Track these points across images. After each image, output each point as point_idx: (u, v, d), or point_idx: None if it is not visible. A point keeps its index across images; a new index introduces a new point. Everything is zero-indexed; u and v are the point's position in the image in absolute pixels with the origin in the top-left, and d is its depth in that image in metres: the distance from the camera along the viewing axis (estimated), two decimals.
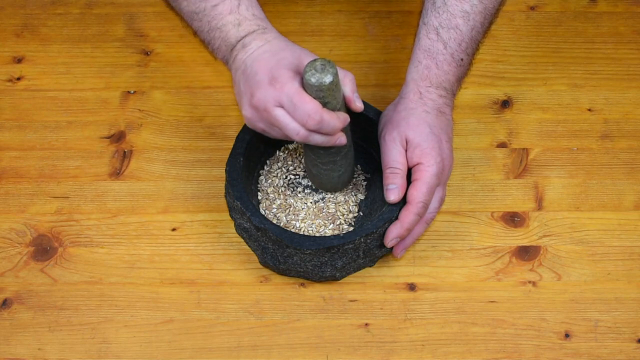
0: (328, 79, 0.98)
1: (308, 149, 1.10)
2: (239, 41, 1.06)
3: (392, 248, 1.10)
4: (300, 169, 1.18)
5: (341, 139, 1.04)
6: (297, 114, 1.00)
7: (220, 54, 1.09)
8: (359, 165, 1.18)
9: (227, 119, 1.24)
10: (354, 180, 1.17)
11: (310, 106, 0.99)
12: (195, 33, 1.12)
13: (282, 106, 1.01)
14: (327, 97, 1.00)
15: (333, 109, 1.02)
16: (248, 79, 1.03)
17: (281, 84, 1.00)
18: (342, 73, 1.03)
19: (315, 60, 0.99)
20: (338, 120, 1.01)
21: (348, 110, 1.05)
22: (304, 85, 1.00)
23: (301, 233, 1.12)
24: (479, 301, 1.10)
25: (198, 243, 1.14)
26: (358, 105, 1.04)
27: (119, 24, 1.34)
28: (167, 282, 1.12)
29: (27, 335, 1.08)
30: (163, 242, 1.14)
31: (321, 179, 1.13)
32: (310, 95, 1.00)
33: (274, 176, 1.17)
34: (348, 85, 1.03)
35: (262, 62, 1.03)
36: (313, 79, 0.98)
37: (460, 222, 1.16)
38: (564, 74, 1.29)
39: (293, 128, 1.01)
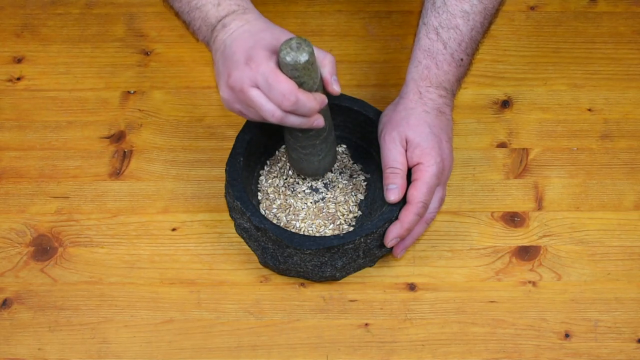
0: (303, 57, 0.97)
1: (287, 132, 1.08)
2: (219, 21, 1.05)
3: (392, 248, 1.10)
4: None
5: (319, 121, 1.02)
6: (272, 94, 0.99)
7: (201, 35, 1.08)
8: (356, 165, 1.18)
9: (227, 119, 1.24)
10: (354, 180, 1.17)
11: (285, 86, 0.98)
12: (176, 14, 1.11)
13: (257, 87, 0.99)
14: (303, 76, 0.98)
15: (310, 90, 1.00)
16: (226, 59, 1.02)
17: (257, 64, 0.98)
18: (321, 54, 1.02)
19: (291, 38, 0.97)
20: (315, 101, 1.00)
21: (327, 94, 1.04)
22: (280, 65, 0.98)
23: (301, 233, 1.12)
24: (479, 301, 1.10)
25: (198, 243, 1.14)
26: (335, 89, 1.02)
27: (119, 24, 1.34)
28: (167, 282, 1.12)
29: (27, 335, 1.08)
30: (163, 242, 1.14)
31: (301, 163, 1.12)
32: (286, 74, 0.98)
33: (274, 176, 1.17)
34: (327, 67, 1.02)
35: (240, 42, 1.01)
36: (288, 57, 0.97)
37: (460, 222, 1.16)
38: (564, 74, 1.29)
39: (268, 109, 1.00)
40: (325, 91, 1.03)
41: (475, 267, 1.13)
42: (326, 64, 1.02)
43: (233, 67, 1.00)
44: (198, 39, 1.09)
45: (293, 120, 1.01)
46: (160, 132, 1.24)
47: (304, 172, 1.14)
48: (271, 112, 1.00)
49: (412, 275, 1.12)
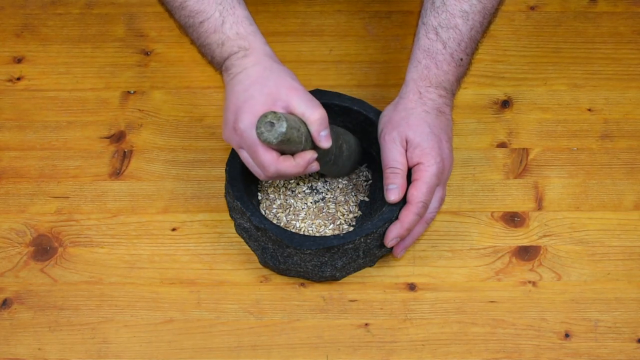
0: (275, 138, 0.97)
1: None
2: (223, 62, 1.08)
3: (392, 248, 1.10)
4: None
5: (310, 168, 1.04)
6: (256, 162, 1.03)
7: (214, 67, 1.12)
8: (360, 166, 1.18)
9: None
10: (354, 180, 1.17)
11: (264, 158, 1.01)
12: (192, 43, 1.15)
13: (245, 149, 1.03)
14: (282, 148, 1.00)
15: (295, 153, 1.02)
16: (224, 109, 1.05)
17: (241, 131, 1.02)
18: (309, 111, 1.01)
19: (265, 115, 0.97)
20: (296, 166, 1.02)
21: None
22: None
23: (301, 233, 1.12)
24: (479, 301, 1.10)
25: (198, 243, 1.14)
26: (324, 146, 1.03)
27: (119, 24, 1.34)
28: (167, 282, 1.12)
29: (27, 335, 1.08)
30: (163, 242, 1.14)
31: (324, 171, 1.14)
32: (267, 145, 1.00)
33: None
34: (314, 125, 1.02)
35: (233, 98, 1.04)
36: (262, 137, 0.98)
37: (460, 222, 1.16)
38: (564, 74, 1.29)
39: (256, 172, 1.04)
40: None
41: (475, 267, 1.13)
42: (312, 122, 1.01)
43: (225, 124, 1.05)
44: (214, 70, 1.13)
45: (282, 178, 1.05)
46: (160, 132, 1.24)
47: (329, 176, 1.17)
48: (258, 174, 1.05)
49: (412, 275, 1.12)
